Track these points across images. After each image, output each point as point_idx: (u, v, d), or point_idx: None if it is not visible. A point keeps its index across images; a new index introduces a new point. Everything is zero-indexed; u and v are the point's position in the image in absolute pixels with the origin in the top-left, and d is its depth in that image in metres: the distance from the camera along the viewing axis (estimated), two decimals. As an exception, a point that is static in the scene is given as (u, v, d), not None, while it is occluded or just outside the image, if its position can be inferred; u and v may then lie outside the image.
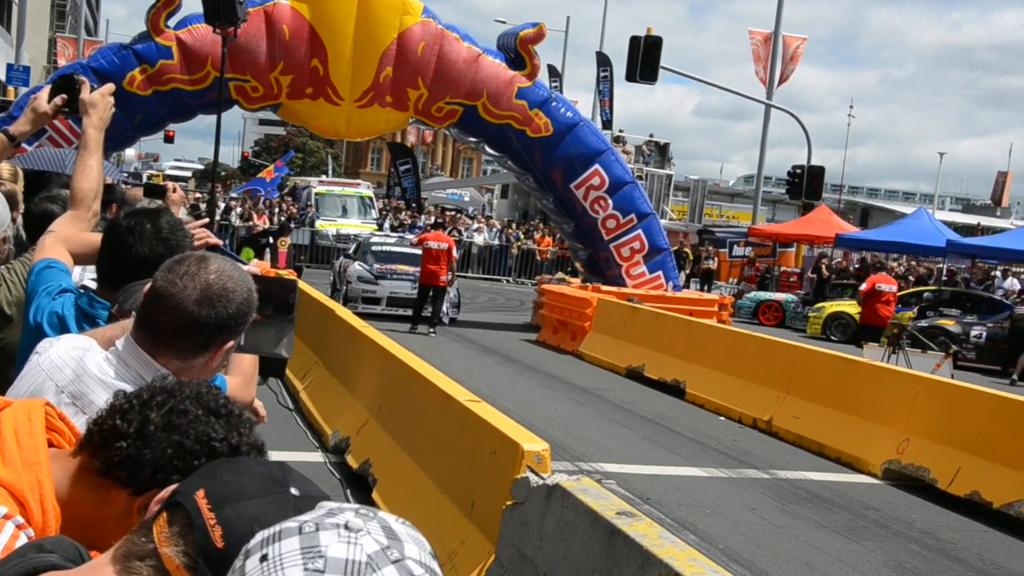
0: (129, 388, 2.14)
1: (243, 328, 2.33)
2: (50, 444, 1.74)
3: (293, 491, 1.35)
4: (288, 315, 2.79)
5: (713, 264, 36.08)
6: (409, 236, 27.23)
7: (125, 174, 11.12)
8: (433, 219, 35.66)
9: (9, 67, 34.41)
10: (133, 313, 2.41)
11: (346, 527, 1.06)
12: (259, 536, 1.10)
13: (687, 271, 34.39)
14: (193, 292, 2.22)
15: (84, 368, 2.26)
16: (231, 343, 2.32)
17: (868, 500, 9.66)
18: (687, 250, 35.33)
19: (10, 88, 34.21)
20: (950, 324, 22.97)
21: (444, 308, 20.30)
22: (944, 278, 30.97)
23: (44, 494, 1.63)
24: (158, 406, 1.64)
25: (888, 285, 19.66)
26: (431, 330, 19.33)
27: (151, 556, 1.30)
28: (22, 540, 1.49)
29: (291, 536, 1.07)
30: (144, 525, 1.35)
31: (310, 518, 1.09)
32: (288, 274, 17.41)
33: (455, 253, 20.44)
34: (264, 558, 1.06)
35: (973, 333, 22.68)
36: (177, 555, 1.29)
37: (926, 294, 26.30)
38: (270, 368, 2.87)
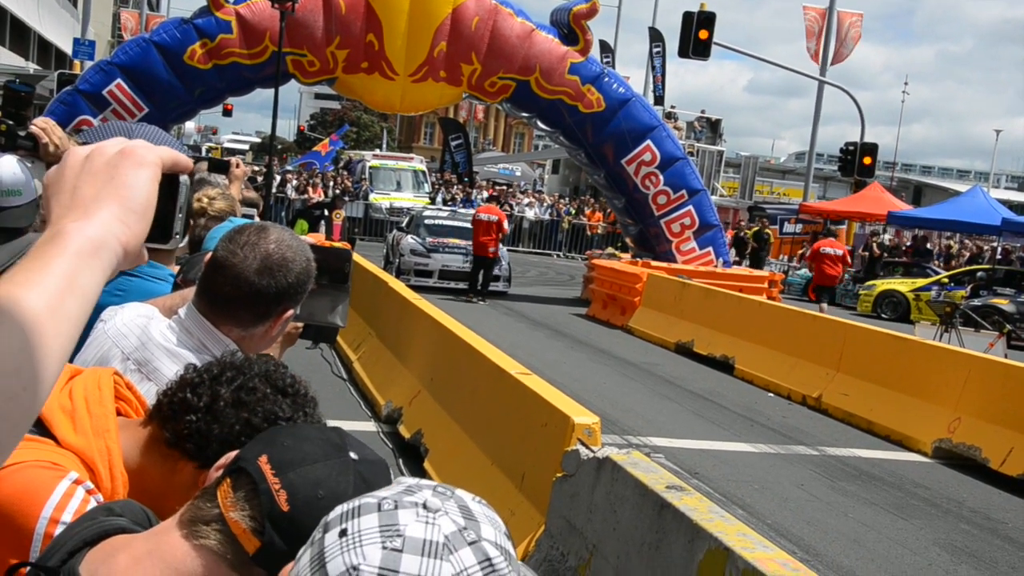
0: (191, 355, 2.22)
1: (302, 297, 2.37)
2: (118, 413, 1.77)
3: (352, 455, 1.37)
4: (343, 284, 2.83)
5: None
6: (462, 210, 27.40)
7: (185, 147, 11.29)
8: (486, 194, 35.93)
9: (76, 41, 35.03)
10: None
11: (424, 507, 1.07)
12: (338, 510, 1.10)
13: (769, 254, 33.08)
14: (253, 262, 2.26)
15: (149, 336, 2.31)
16: (290, 312, 2.35)
17: (918, 478, 9.62)
18: (769, 231, 33.60)
19: (76, 62, 34.82)
20: (1004, 303, 22.64)
21: (490, 280, 20.74)
22: (999, 257, 30.51)
23: (113, 461, 1.67)
24: (228, 382, 1.68)
25: (833, 249, 21.14)
26: (480, 299, 19.87)
27: (217, 520, 1.33)
28: (92, 505, 1.52)
29: (370, 513, 1.07)
30: (208, 491, 1.38)
31: (389, 495, 1.10)
32: (343, 246, 17.61)
33: (506, 226, 20.69)
34: (343, 533, 1.07)
35: None
36: (243, 519, 1.32)
37: (980, 273, 25.97)
38: (322, 334, 2.90)
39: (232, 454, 1.42)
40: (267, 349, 2.59)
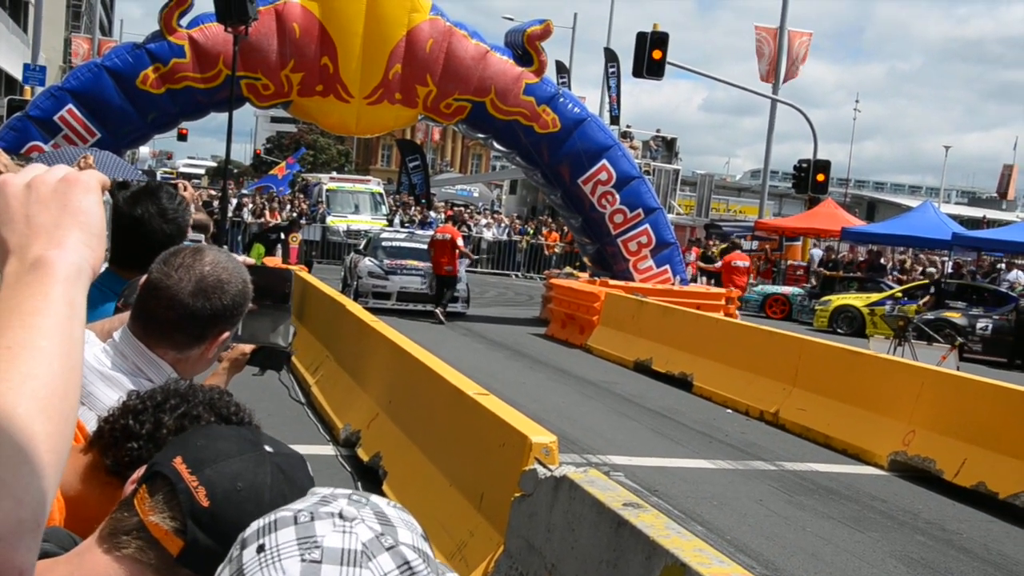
0: (126, 379, 2.20)
1: (239, 319, 2.35)
2: None
3: (267, 448, 1.38)
4: (284, 304, 2.82)
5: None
6: (420, 232, 27.47)
7: (140, 172, 11.20)
8: (443, 216, 36.24)
9: (26, 67, 34.59)
10: None
11: (340, 516, 1.08)
12: (254, 526, 1.11)
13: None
14: (188, 284, 2.25)
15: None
16: (227, 334, 2.35)
17: (874, 491, 9.70)
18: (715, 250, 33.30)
19: (27, 88, 34.42)
20: (956, 316, 22.93)
21: (450, 296, 20.92)
22: (950, 271, 30.94)
23: None
24: (171, 410, 1.66)
25: (742, 261, 24.17)
26: (438, 310, 20.22)
27: (137, 528, 1.33)
28: None
29: (287, 526, 1.08)
30: (124, 502, 1.37)
31: (304, 507, 1.10)
32: (300, 269, 17.55)
33: (460, 243, 20.85)
34: (261, 548, 1.07)
35: (979, 325, 22.64)
36: (164, 521, 1.32)
37: (931, 281, 26.30)
38: (270, 360, 2.86)
39: (144, 466, 1.41)
40: (213, 376, 2.57)
